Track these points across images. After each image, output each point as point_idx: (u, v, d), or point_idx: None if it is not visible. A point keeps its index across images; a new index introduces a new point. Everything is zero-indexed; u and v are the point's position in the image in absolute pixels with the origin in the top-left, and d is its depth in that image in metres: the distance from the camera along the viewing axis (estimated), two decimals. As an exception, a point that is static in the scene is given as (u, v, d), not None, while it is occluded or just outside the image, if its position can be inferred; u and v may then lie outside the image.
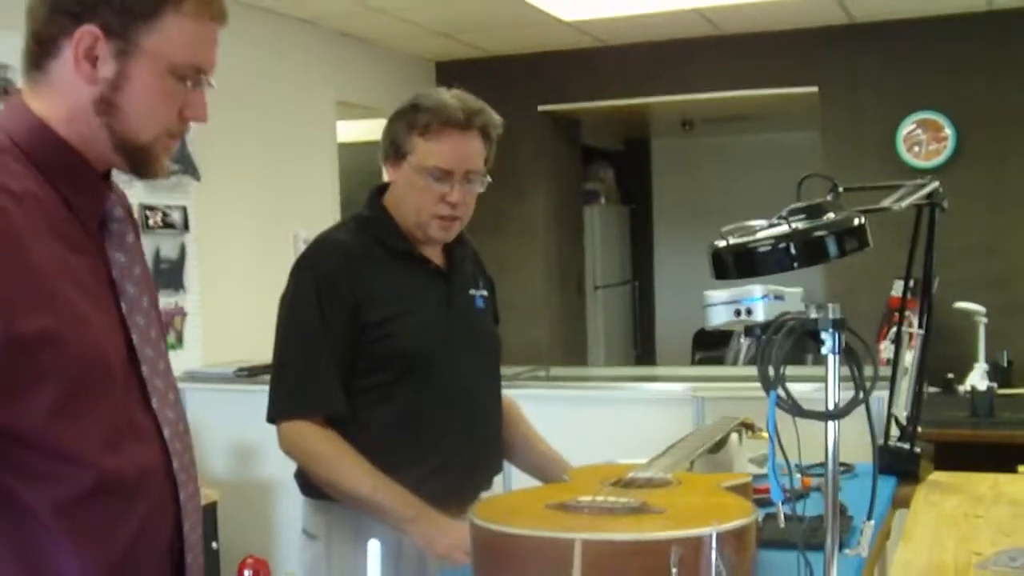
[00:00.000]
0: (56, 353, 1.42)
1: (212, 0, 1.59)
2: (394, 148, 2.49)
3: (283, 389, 2.44)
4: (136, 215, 4.97)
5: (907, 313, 2.99)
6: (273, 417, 2.44)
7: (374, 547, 1.45)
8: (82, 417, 1.46)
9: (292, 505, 4.99)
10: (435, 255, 2.57)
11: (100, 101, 1.52)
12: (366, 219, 2.55)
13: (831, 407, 1.59)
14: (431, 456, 2.40)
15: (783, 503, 1.67)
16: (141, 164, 1.59)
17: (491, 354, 2.67)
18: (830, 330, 1.57)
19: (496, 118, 2.52)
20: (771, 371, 1.56)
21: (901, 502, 2.60)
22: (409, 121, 2.47)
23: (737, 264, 1.89)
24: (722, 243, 1.91)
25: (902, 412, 2.75)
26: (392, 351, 2.43)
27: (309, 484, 2.53)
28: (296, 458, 2.41)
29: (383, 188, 2.59)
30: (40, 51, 1.52)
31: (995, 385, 4.88)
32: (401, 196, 2.51)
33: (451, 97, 2.48)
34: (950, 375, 5.30)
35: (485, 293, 2.70)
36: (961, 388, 5.19)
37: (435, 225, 2.48)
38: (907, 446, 2.70)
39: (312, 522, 2.55)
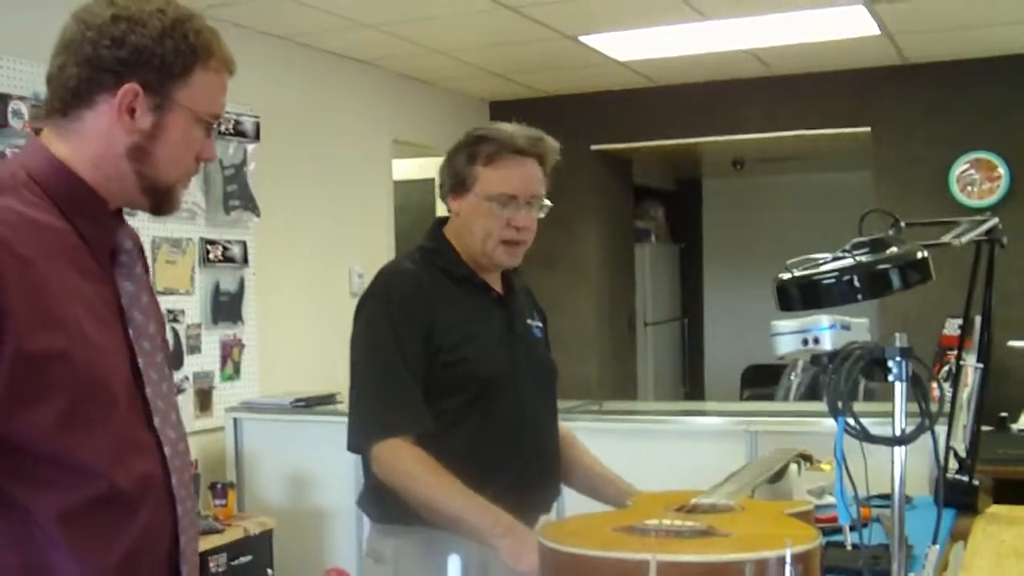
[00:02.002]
0: (64, 370, 1.52)
1: (228, 57, 1.75)
2: (458, 180, 2.59)
3: (373, 413, 2.48)
4: (197, 249, 5.12)
5: (962, 352, 3.01)
6: (364, 442, 2.46)
7: (455, 562, 1.51)
8: (88, 431, 1.56)
9: (347, 533, 5.07)
10: (495, 284, 2.66)
11: (134, 149, 1.66)
12: (430, 250, 2.64)
13: (898, 433, 1.63)
14: (498, 479, 2.44)
15: (850, 528, 1.70)
16: (162, 203, 1.74)
17: (549, 380, 2.74)
18: (897, 358, 1.61)
19: (554, 144, 2.62)
20: (840, 397, 1.60)
21: (960, 535, 2.62)
22: (471, 152, 2.57)
23: (802, 295, 1.94)
24: (787, 275, 1.96)
25: (960, 445, 2.77)
26: (464, 376, 2.50)
27: (377, 508, 2.59)
28: (392, 479, 2.42)
29: (443, 221, 2.68)
30: (74, 102, 1.66)
31: (1050, 424, 4.86)
32: (466, 225, 2.59)
33: (510, 127, 2.59)
34: (1003, 414, 5.27)
35: (540, 324, 2.79)
36: (1015, 427, 5.17)
37: (502, 250, 2.57)
38: (966, 478, 2.72)
39: (380, 546, 2.59)
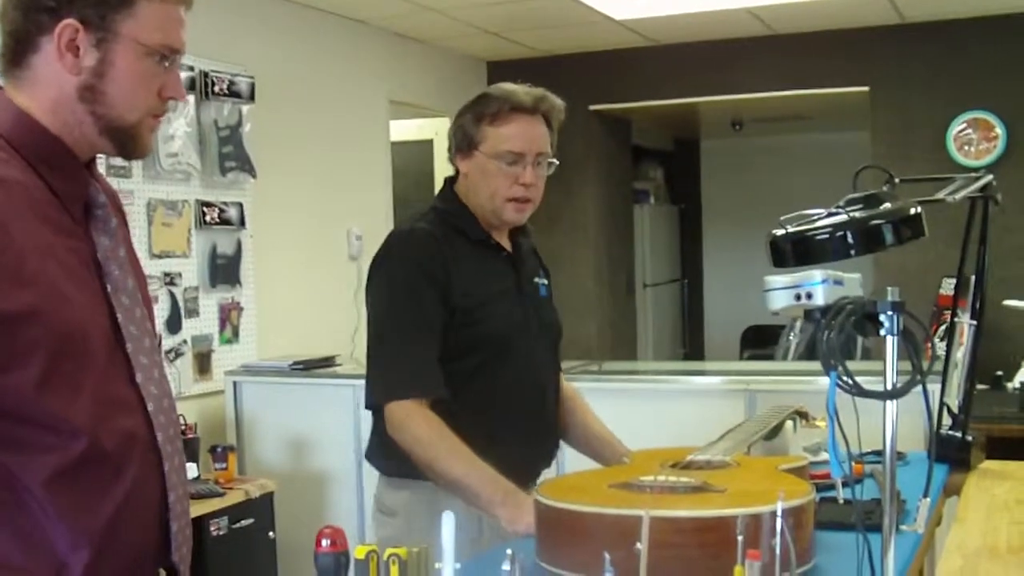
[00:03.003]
0: (39, 329, 1.50)
1: None
2: (465, 140, 2.61)
3: (389, 372, 2.51)
4: (193, 211, 5.11)
5: (957, 310, 3.02)
6: (379, 400, 2.49)
7: (449, 518, 1.52)
8: (67, 389, 1.54)
9: (347, 494, 5.08)
10: (504, 243, 2.69)
11: (84, 89, 1.62)
12: (444, 211, 2.65)
13: (889, 387, 1.63)
14: (507, 436, 2.48)
15: (843, 484, 1.71)
16: (128, 145, 1.69)
17: (553, 338, 2.79)
18: (889, 312, 1.62)
19: (559, 103, 2.65)
20: (831, 351, 1.61)
21: (953, 489, 2.64)
22: (478, 112, 2.60)
23: (795, 251, 1.94)
24: (781, 231, 1.96)
25: (954, 402, 2.79)
26: (480, 336, 2.55)
27: (387, 462, 2.63)
28: (401, 440, 2.45)
29: (453, 179, 2.70)
30: (19, 49, 1.62)
31: (1045, 383, 4.88)
32: (475, 184, 2.62)
33: (515, 86, 2.61)
34: (999, 372, 5.30)
35: (546, 282, 2.83)
36: (1010, 385, 5.20)
37: (510, 208, 2.60)
38: (959, 434, 2.74)
39: (390, 500, 2.63)
